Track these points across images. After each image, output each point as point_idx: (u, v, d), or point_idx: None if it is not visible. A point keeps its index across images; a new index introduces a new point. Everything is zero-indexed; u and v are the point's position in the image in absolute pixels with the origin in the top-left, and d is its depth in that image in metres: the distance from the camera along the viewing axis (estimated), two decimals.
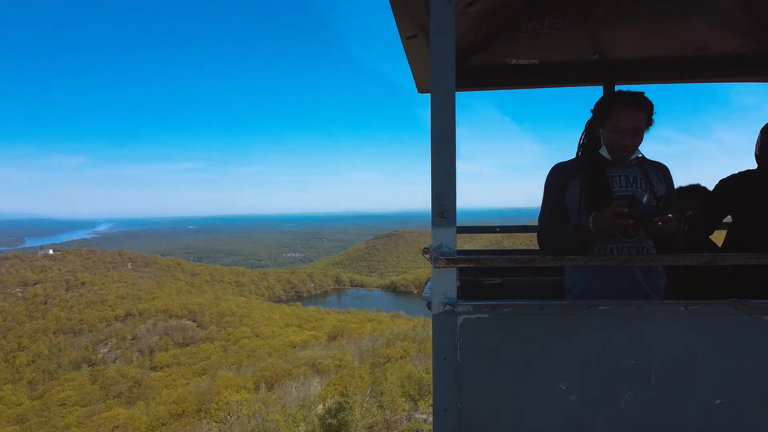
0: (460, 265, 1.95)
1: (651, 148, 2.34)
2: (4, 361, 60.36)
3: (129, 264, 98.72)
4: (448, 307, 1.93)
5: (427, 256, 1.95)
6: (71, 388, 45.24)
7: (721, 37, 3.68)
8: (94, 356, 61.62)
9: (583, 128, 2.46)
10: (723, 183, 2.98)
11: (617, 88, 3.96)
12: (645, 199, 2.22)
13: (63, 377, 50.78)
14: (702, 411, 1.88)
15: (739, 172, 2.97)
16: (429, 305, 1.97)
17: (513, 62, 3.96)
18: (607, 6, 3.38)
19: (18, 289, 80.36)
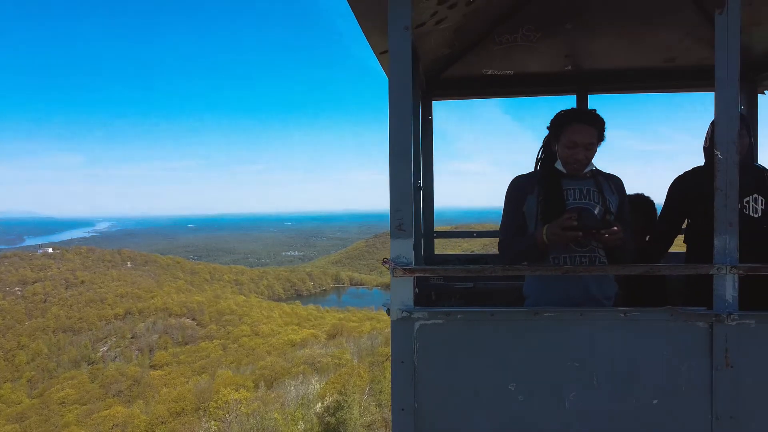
0: (417, 275, 2.09)
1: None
2: (4, 360, 60.54)
3: (128, 262, 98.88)
4: (405, 314, 2.07)
5: (387, 265, 2.08)
6: (71, 386, 45.38)
7: (688, 50, 3.81)
8: (93, 355, 61.84)
9: (541, 144, 2.60)
10: (674, 185, 3.02)
11: (590, 97, 4.12)
12: (597, 210, 2.35)
13: (62, 376, 50.93)
14: (641, 410, 2.01)
15: (688, 171, 3.01)
16: (388, 311, 2.11)
17: (489, 72, 4.09)
18: (576, 21, 3.52)
19: (17, 288, 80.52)
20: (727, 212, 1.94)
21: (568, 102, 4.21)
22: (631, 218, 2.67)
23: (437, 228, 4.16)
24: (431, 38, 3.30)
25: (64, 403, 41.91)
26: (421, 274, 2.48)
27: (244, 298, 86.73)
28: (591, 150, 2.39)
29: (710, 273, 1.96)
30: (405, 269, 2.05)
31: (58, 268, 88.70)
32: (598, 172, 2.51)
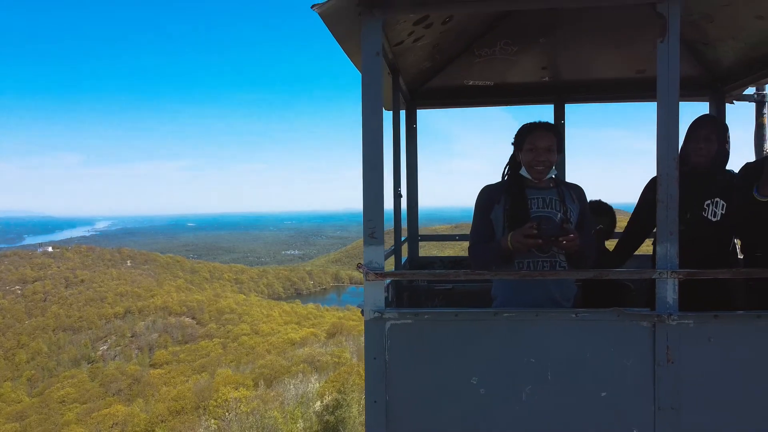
0: (388, 279, 2.28)
1: None
2: (4, 359, 60.74)
3: (128, 261, 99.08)
4: (377, 314, 2.27)
5: (361, 270, 2.28)
6: (71, 385, 45.59)
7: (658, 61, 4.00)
8: (93, 353, 62.04)
9: (508, 159, 2.79)
10: (646, 188, 3.14)
11: (566, 107, 4.32)
12: (558, 217, 2.55)
13: (62, 374, 51.13)
14: (590, 402, 2.21)
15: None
16: (362, 312, 2.31)
17: (470, 83, 4.29)
18: (550, 36, 3.72)
19: (17, 287, 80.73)
20: (668, 223, 2.13)
21: (548, 110, 4.42)
22: (594, 223, 2.87)
23: (437, 227, 4.36)
24: (411, 54, 3.50)
25: (64, 401, 42.10)
26: (391, 279, 2.68)
27: (244, 296, 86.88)
28: (551, 153, 2.59)
29: (653, 278, 2.16)
30: (377, 273, 2.26)
31: (58, 267, 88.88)
32: (561, 182, 2.71)
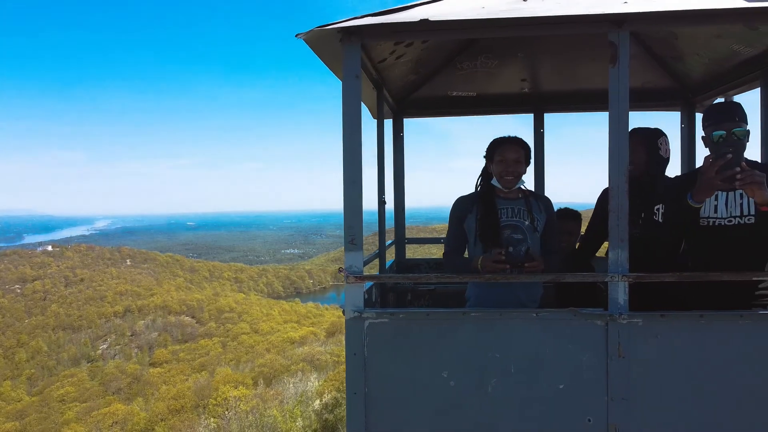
0: (367, 282, 2.51)
1: None
2: (3, 358, 60.92)
3: (128, 260, 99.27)
4: (356, 314, 2.50)
5: (342, 273, 2.51)
6: (70, 384, 45.76)
7: (632, 74, 4.22)
8: (93, 352, 62.23)
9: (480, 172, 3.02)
10: (601, 195, 3.31)
11: (545, 116, 4.54)
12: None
13: (62, 373, 51.30)
14: (550, 393, 2.44)
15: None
16: (344, 312, 2.53)
17: (454, 94, 4.52)
18: (527, 51, 3.94)
19: (17, 286, 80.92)
20: (618, 231, 2.35)
21: (528, 119, 4.64)
22: (561, 227, 3.11)
23: (436, 226, 4.58)
24: (395, 69, 3.72)
25: (63, 400, 42.26)
26: (372, 282, 2.90)
27: (244, 295, 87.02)
28: (520, 165, 2.82)
29: (606, 281, 2.38)
30: (356, 277, 2.48)
31: (58, 266, 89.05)
32: (530, 193, 2.94)
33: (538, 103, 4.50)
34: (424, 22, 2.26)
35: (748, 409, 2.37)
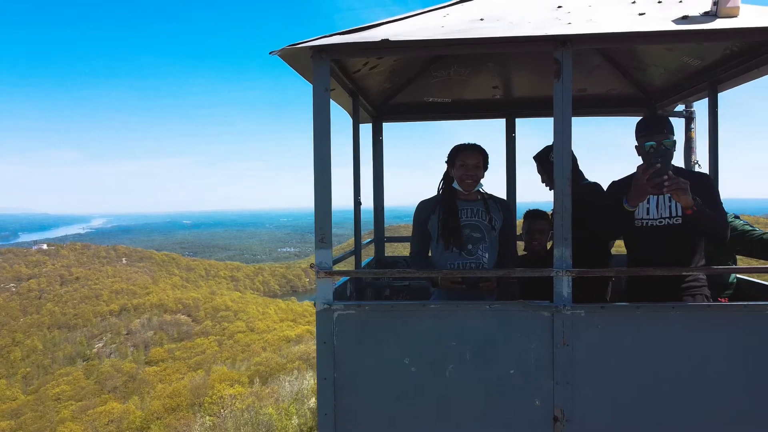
0: (342, 277, 2.75)
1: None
2: None
3: (123, 259, 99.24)
4: (326, 306, 2.74)
5: (313, 269, 2.74)
6: (66, 382, 45.88)
7: (595, 83, 4.49)
8: (88, 351, 62.30)
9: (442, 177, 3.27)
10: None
11: (517, 120, 4.79)
12: (485, 222, 3.03)
13: (57, 372, 51.40)
14: (501, 377, 2.68)
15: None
16: (315, 304, 2.77)
17: (430, 100, 4.76)
18: (495, 61, 4.18)
19: (12, 284, 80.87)
20: (563, 230, 2.60)
21: (500, 124, 4.89)
22: (532, 226, 3.41)
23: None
24: (371, 78, 3.96)
25: (59, 399, 42.39)
26: (339, 277, 3.14)
27: (240, 294, 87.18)
28: (479, 169, 3.08)
29: (551, 276, 2.63)
30: (326, 272, 2.72)
31: (53, 265, 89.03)
32: (488, 195, 3.19)
33: (510, 108, 4.75)
34: (385, 41, 2.50)
35: (680, 392, 2.62)
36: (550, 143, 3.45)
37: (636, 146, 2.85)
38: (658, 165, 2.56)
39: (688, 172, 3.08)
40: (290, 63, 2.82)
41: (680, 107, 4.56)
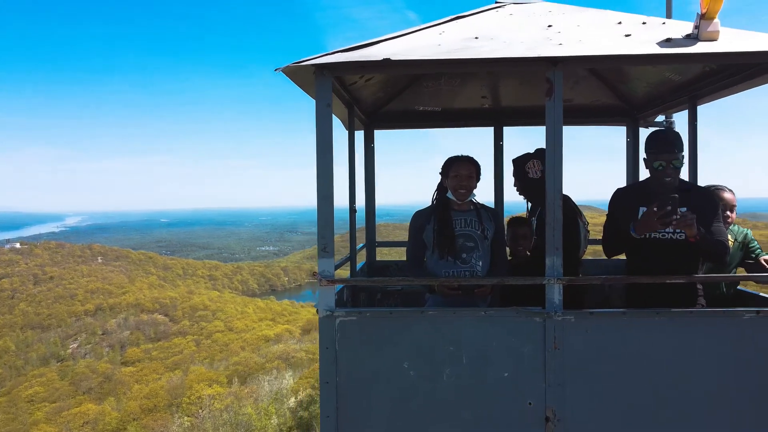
0: (337, 284, 2.86)
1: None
2: None
3: (99, 258, 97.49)
4: (328, 313, 2.84)
5: (315, 277, 2.84)
6: (39, 384, 45.00)
7: (581, 93, 4.66)
8: (63, 352, 61.12)
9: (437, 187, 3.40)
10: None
11: (505, 129, 4.94)
12: (478, 232, 3.16)
13: (30, 373, 50.33)
14: (496, 380, 2.82)
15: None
16: (317, 311, 2.87)
17: (421, 108, 4.89)
18: (484, 73, 4.32)
19: None
20: (554, 240, 2.74)
21: (488, 132, 5.03)
22: (516, 232, 3.55)
23: None
24: (366, 89, 4.06)
25: (32, 400, 41.56)
26: (341, 285, 3.25)
27: (218, 293, 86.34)
28: (471, 179, 3.22)
29: (543, 283, 2.78)
30: (329, 280, 2.83)
31: (26, 264, 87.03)
32: (480, 205, 3.33)
33: (498, 117, 4.89)
34: (387, 61, 2.61)
35: (665, 393, 2.79)
36: (533, 150, 3.62)
37: (645, 159, 3.00)
38: (669, 208, 2.73)
39: (693, 187, 3.22)
40: (293, 79, 2.91)
41: (660, 118, 4.77)
